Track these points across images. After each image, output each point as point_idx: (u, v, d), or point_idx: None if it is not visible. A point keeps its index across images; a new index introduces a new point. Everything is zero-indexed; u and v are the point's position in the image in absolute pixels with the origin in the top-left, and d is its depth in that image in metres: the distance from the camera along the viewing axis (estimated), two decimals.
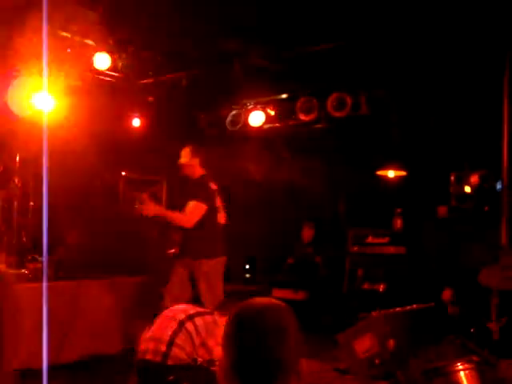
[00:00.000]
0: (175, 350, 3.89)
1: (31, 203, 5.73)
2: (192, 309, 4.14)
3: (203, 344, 4.01)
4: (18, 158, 5.50)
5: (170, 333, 3.91)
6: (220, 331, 4.19)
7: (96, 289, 5.58)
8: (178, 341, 3.91)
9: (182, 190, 5.43)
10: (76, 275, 5.62)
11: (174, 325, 3.95)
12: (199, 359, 4.06)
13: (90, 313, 5.45)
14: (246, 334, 1.50)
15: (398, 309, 5.15)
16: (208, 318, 4.08)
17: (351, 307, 6.73)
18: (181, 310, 4.10)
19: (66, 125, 6.57)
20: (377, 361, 5.06)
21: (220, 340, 4.13)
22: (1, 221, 5.24)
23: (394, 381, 4.51)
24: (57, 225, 6.33)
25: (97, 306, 5.54)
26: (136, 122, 7.45)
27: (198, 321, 4.01)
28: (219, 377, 1.54)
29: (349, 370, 5.37)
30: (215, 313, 4.21)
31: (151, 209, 4.96)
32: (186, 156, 5.38)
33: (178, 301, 4.64)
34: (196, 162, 5.38)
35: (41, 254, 5.48)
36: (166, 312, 4.16)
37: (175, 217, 5.12)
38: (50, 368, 4.95)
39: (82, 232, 6.58)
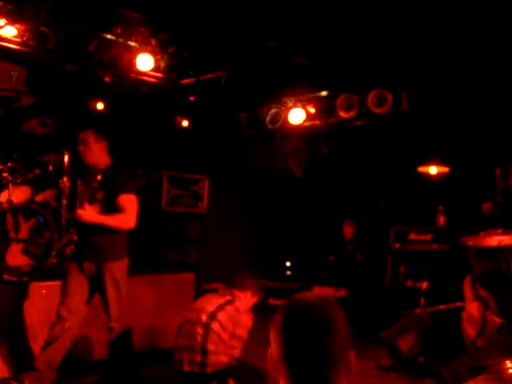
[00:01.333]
0: (211, 358, 3.93)
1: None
2: (210, 304, 4.11)
3: (233, 335, 4.04)
4: (66, 158, 5.64)
5: (199, 340, 3.94)
6: (244, 316, 4.24)
7: (142, 285, 5.68)
8: (210, 346, 3.93)
9: (89, 183, 4.56)
10: None
11: (200, 330, 3.96)
12: (236, 351, 4.10)
13: (136, 309, 5.55)
14: (294, 327, 1.51)
15: (441, 306, 5.10)
16: (229, 308, 4.08)
17: (393, 304, 6.68)
18: (201, 309, 4.10)
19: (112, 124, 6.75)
20: (421, 359, 5.03)
21: (247, 323, 4.17)
22: (50, 219, 5.38)
23: (439, 378, 4.47)
24: None
25: (142, 302, 5.64)
26: (181, 122, 7.56)
27: (222, 316, 4.01)
28: (268, 368, 1.56)
29: (392, 368, 5.34)
30: (234, 295, 4.19)
31: (87, 214, 4.27)
32: (88, 141, 4.56)
33: (73, 309, 4.34)
34: (103, 146, 4.60)
35: None
36: (187, 315, 4.17)
37: (114, 220, 4.32)
38: (94, 363, 5.11)
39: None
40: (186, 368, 3.97)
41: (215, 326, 3.97)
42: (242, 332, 4.10)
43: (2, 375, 4.55)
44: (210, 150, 7.72)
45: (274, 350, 1.54)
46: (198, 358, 3.94)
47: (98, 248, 4.36)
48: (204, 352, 3.93)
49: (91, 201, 4.40)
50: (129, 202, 4.36)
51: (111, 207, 4.34)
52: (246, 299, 4.24)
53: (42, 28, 5.76)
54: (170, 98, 7.38)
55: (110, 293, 4.35)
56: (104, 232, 4.31)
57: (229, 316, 4.04)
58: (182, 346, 4.04)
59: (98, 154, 4.54)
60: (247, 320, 4.15)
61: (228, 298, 4.17)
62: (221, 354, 3.99)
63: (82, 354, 5.11)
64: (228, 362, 4.03)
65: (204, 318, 4.00)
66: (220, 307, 4.07)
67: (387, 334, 5.31)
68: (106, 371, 4.65)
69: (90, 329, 5.08)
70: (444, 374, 4.26)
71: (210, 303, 4.12)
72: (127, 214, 4.33)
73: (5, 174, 5.36)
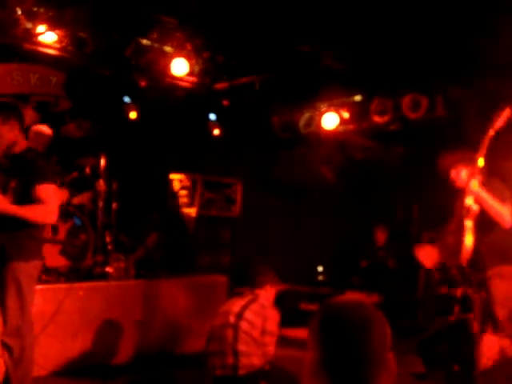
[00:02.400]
0: (242, 360, 3.91)
1: (115, 204, 5.95)
2: (235, 306, 4.13)
3: (264, 331, 4.02)
4: (102, 161, 5.74)
5: (229, 342, 3.93)
6: (271, 310, 4.22)
7: (174, 287, 5.73)
8: (241, 347, 3.92)
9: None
10: (156, 274, 5.80)
11: (230, 332, 3.96)
12: (270, 348, 4.08)
13: (170, 311, 5.61)
14: (332, 331, 1.50)
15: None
16: (254, 305, 4.07)
17: (427, 311, 6.60)
18: (227, 312, 4.10)
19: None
20: (456, 367, 4.95)
21: (275, 316, 4.15)
22: (87, 221, 5.47)
23: None
24: (137, 226, 6.60)
25: (176, 304, 5.69)
26: (215, 127, 7.62)
27: (248, 314, 4.00)
28: (305, 374, 1.54)
29: (426, 375, 5.27)
30: (257, 293, 4.19)
31: None
32: None
33: None
34: (13, 127, 3.80)
35: (124, 254, 5.71)
36: (215, 321, 4.18)
37: (31, 212, 3.64)
38: (128, 363, 5.17)
39: (161, 233, 6.77)
40: (219, 372, 3.97)
41: (243, 325, 3.97)
42: (272, 326, 4.08)
43: (42, 373, 4.64)
44: (243, 154, 7.75)
45: (311, 354, 1.52)
46: (230, 360, 3.94)
47: (1, 245, 3.66)
48: (235, 354, 3.93)
49: (4, 190, 3.69)
50: (48, 192, 3.67)
51: (27, 198, 3.64)
52: (267, 293, 4.26)
53: (81, 33, 5.89)
54: (204, 102, 7.45)
55: (9, 299, 3.61)
56: (10, 227, 3.62)
57: (255, 312, 4.04)
58: (212, 351, 4.05)
59: (7, 136, 3.74)
60: (274, 313, 4.14)
61: (250, 297, 4.18)
62: (253, 356, 3.98)
63: (104, 357, 5.15)
64: (260, 365, 4.03)
65: (231, 319, 4.01)
66: (245, 306, 4.08)
67: (421, 341, 5.25)
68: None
69: (112, 331, 5.16)
70: (481, 382, 4.19)
71: (235, 305, 4.14)
72: (47, 206, 3.64)
73: None
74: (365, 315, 1.51)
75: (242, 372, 3.92)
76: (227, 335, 3.95)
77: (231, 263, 7.23)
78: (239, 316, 4.00)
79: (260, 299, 4.14)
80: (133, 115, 6.87)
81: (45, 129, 5.62)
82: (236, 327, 3.96)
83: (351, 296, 1.68)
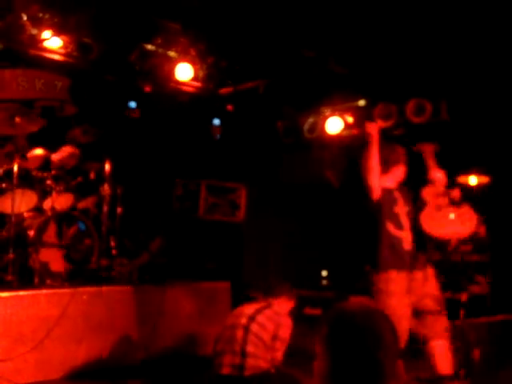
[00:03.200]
0: (250, 361, 3.91)
1: (119, 209, 5.96)
2: (249, 308, 4.13)
3: (275, 337, 4.02)
4: (107, 166, 5.75)
5: (239, 342, 3.94)
6: (285, 318, 4.21)
7: (179, 293, 5.73)
8: (249, 348, 3.92)
9: None
10: (159, 279, 5.79)
11: (240, 333, 3.97)
12: (279, 353, 4.08)
13: (173, 316, 5.61)
14: (341, 339, 1.47)
15: (482, 318, 4.99)
16: (268, 312, 4.07)
17: None
18: (240, 314, 4.11)
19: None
20: (462, 371, 4.93)
21: (289, 324, 4.15)
22: (91, 226, 5.48)
23: None
24: (141, 231, 6.60)
25: (180, 309, 5.69)
26: (218, 131, 7.64)
27: (261, 318, 4.01)
28: (315, 382, 1.50)
29: (432, 380, 5.25)
30: (271, 302, 4.20)
31: None
32: None
33: None
34: None
35: (128, 258, 5.72)
36: (227, 322, 4.18)
37: None
38: (133, 367, 5.17)
39: (164, 238, 6.78)
40: (225, 370, 3.97)
41: (254, 327, 3.98)
42: (285, 333, 4.08)
43: (49, 378, 4.65)
44: (248, 159, 7.75)
45: (320, 363, 1.49)
46: (237, 360, 3.94)
47: None
48: (243, 354, 3.93)
49: None
50: None
51: None
52: (281, 305, 4.25)
53: (85, 39, 5.92)
54: (208, 106, 7.46)
55: None
56: None
57: (268, 317, 4.05)
58: (221, 350, 4.05)
59: None
60: (288, 321, 4.15)
61: (264, 304, 4.19)
62: (260, 359, 3.98)
63: (119, 357, 5.18)
64: (266, 368, 4.02)
65: (243, 321, 4.02)
66: (258, 310, 4.09)
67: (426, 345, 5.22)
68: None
69: (116, 336, 5.16)
70: None
71: (248, 308, 4.15)
72: None
73: (48, 182, 5.49)
74: (376, 322, 1.48)
75: (247, 373, 3.91)
76: (237, 336, 3.96)
77: (235, 269, 7.21)
78: (251, 318, 4.01)
79: (274, 307, 4.15)
80: (137, 118, 6.88)
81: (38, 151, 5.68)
82: (247, 328, 3.97)
83: (358, 301, 1.64)
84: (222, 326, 4.21)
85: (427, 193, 4.56)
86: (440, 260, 6.94)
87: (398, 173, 4.41)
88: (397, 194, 4.37)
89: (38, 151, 5.70)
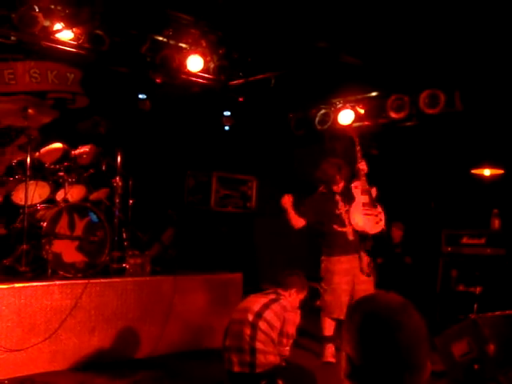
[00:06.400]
0: (260, 358, 3.89)
1: (131, 201, 5.96)
2: (256, 303, 4.09)
3: (281, 333, 4.00)
4: (119, 158, 5.75)
5: (247, 340, 3.91)
6: (291, 313, 4.18)
7: (190, 284, 5.73)
8: (259, 345, 3.90)
9: None
10: (171, 270, 5.80)
11: (248, 330, 3.94)
12: (286, 348, 4.07)
13: (185, 307, 5.61)
14: (372, 331, 1.41)
15: (497, 312, 4.93)
16: (275, 306, 4.03)
17: (444, 309, 6.53)
18: (247, 309, 4.08)
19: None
20: (476, 366, 4.89)
21: (294, 320, 4.11)
22: (103, 217, 5.49)
23: None
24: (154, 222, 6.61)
25: (191, 300, 5.69)
26: (230, 123, 7.62)
27: (268, 314, 3.98)
28: (342, 375, 1.45)
29: (445, 374, 5.22)
30: (279, 293, 4.16)
31: None
32: None
33: None
34: None
35: (139, 250, 5.73)
36: (234, 316, 4.16)
37: None
38: (145, 358, 5.19)
39: (176, 229, 6.78)
40: (237, 369, 3.96)
41: (262, 325, 3.95)
42: (291, 329, 4.06)
43: (61, 368, 4.68)
44: (259, 151, 7.73)
45: (349, 355, 1.43)
46: (247, 358, 3.93)
47: None
48: (253, 352, 3.91)
49: None
50: None
51: None
52: (290, 297, 4.22)
53: (97, 31, 5.91)
54: (219, 98, 7.44)
55: None
56: None
57: (275, 314, 4.01)
58: (230, 346, 4.03)
59: None
60: (294, 317, 4.12)
61: (272, 296, 4.15)
62: (270, 354, 3.97)
63: (131, 348, 5.20)
64: (277, 363, 4.01)
65: (251, 317, 3.98)
66: (266, 306, 4.05)
67: (440, 339, 5.19)
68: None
69: (129, 327, 5.17)
70: (503, 383, 4.13)
71: (256, 303, 4.10)
72: None
73: (61, 174, 5.51)
74: (408, 317, 1.42)
75: (259, 370, 3.90)
76: (245, 333, 3.93)
77: (246, 260, 7.21)
78: (259, 315, 3.97)
79: (282, 301, 4.11)
80: (148, 110, 6.88)
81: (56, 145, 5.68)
82: (255, 326, 3.93)
83: (392, 293, 1.57)
84: (229, 319, 4.19)
85: (355, 189, 5.44)
86: (452, 253, 6.89)
87: (339, 184, 5.45)
88: (338, 198, 5.43)
89: (57, 145, 5.70)
